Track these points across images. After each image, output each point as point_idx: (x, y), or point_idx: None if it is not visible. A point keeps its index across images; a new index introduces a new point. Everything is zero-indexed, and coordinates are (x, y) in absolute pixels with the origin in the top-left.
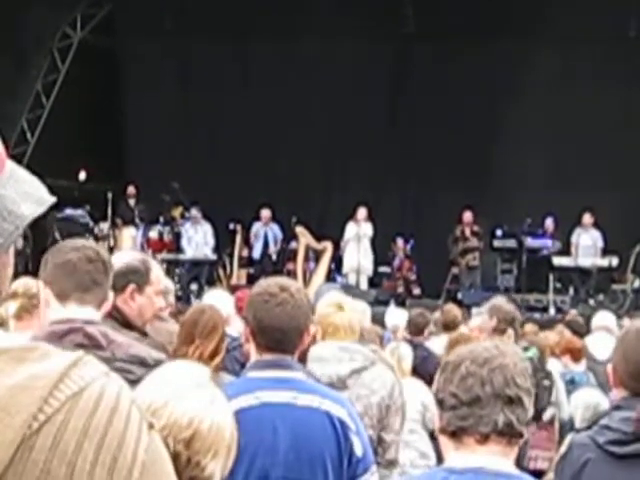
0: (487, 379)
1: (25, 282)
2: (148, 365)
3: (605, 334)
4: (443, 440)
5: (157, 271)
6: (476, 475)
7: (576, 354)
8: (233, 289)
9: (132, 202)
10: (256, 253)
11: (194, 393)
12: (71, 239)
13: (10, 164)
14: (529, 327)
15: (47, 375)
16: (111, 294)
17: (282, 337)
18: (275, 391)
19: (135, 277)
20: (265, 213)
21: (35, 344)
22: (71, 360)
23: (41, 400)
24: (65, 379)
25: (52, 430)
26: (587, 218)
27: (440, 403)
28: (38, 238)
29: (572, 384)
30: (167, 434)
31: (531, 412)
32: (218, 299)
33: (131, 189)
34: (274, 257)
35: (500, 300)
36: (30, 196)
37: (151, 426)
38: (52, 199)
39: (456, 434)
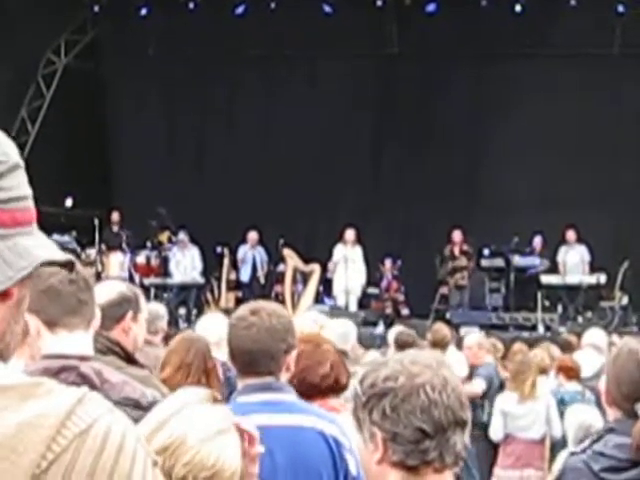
0: (449, 406)
1: None
2: (142, 407)
3: (592, 351)
4: (392, 474)
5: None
6: None
7: (569, 372)
8: (222, 313)
9: (116, 228)
10: (244, 276)
11: (221, 437)
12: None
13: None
14: (517, 346)
15: (54, 413)
16: (98, 311)
17: (250, 360)
18: (268, 414)
19: (130, 305)
20: (252, 235)
21: (40, 380)
22: (76, 397)
23: (49, 439)
24: (72, 416)
25: (60, 470)
26: (570, 235)
27: (394, 437)
28: None
29: (562, 403)
30: (189, 470)
31: None
32: (213, 323)
33: (115, 215)
34: (262, 280)
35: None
36: (49, 246)
37: (155, 463)
38: (67, 256)
39: (415, 468)
